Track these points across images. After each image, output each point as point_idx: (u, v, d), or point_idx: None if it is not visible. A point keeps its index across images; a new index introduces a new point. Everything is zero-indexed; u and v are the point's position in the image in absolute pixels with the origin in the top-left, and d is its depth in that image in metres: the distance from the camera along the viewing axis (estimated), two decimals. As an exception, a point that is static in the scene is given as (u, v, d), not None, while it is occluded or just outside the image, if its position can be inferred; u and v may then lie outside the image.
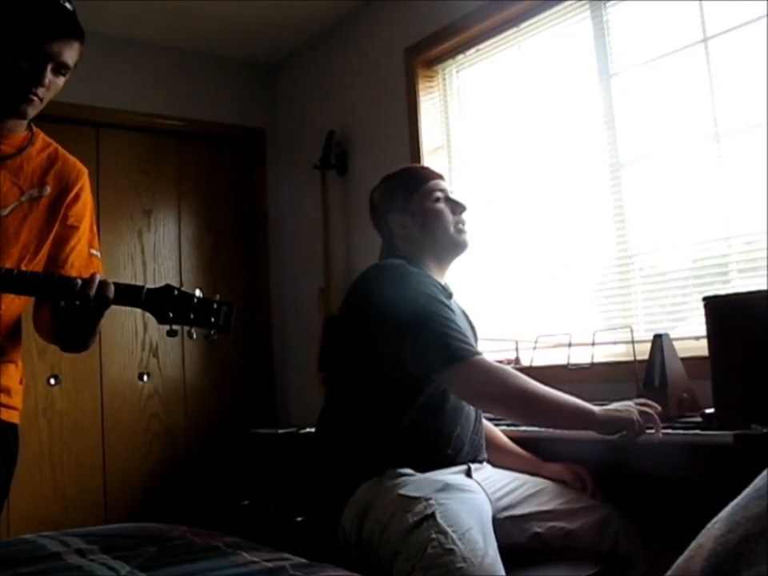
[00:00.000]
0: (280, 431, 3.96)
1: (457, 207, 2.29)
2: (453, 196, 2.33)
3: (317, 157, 4.16)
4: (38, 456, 3.83)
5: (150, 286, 1.76)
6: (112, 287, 1.71)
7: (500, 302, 3.49)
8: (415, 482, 1.94)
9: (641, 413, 1.95)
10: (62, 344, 1.96)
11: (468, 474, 2.07)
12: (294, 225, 4.61)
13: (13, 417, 1.97)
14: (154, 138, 4.45)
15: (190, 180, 4.55)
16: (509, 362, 3.12)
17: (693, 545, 0.83)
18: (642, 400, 2.04)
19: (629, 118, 3.01)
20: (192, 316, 1.75)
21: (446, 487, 1.93)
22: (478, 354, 1.98)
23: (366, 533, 1.93)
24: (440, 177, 2.35)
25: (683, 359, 2.35)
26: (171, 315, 1.74)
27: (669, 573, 0.85)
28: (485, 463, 2.21)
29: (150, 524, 2.00)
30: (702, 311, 2.14)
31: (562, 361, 2.82)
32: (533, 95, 3.38)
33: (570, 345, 2.81)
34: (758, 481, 0.85)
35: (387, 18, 3.98)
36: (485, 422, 2.33)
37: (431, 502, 1.85)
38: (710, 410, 2.06)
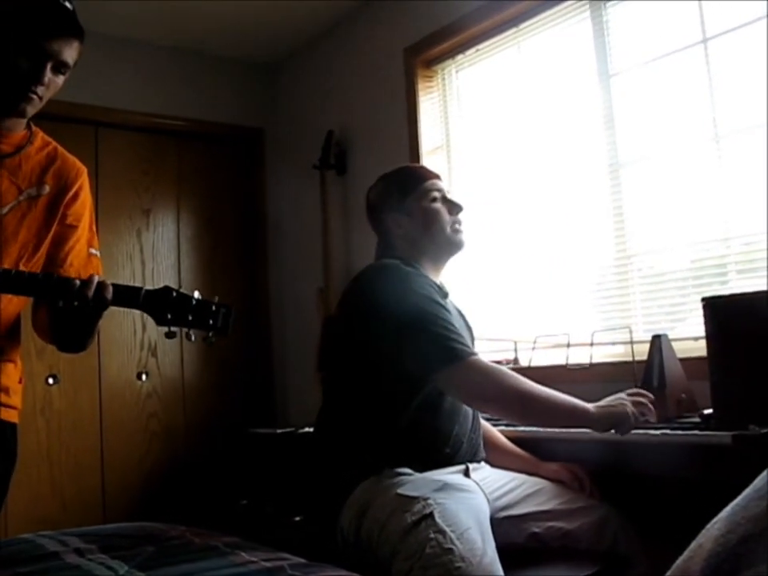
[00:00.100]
0: (279, 431, 3.96)
1: (454, 207, 2.30)
2: (450, 196, 2.33)
3: (316, 157, 4.16)
4: (36, 455, 3.82)
5: (148, 287, 1.77)
6: (110, 288, 1.71)
7: (499, 302, 3.49)
8: (413, 482, 1.95)
9: (634, 403, 1.97)
10: (59, 344, 1.96)
11: (466, 473, 2.07)
12: (293, 225, 4.61)
13: (12, 416, 1.96)
14: (153, 137, 4.44)
15: (189, 180, 4.55)
16: (507, 362, 3.13)
17: (692, 545, 0.83)
18: (633, 390, 2.05)
19: (628, 119, 3.01)
20: (190, 318, 1.75)
21: (444, 487, 1.93)
22: (474, 354, 1.99)
23: (364, 532, 1.93)
24: (437, 177, 2.35)
25: (682, 360, 2.36)
26: (169, 317, 1.74)
27: (668, 573, 0.85)
28: (483, 463, 2.21)
29: (148, 523, 2.00)
30: (700, 312, 2.14)
31: (561, 361, 2.82)
32: (532, 95, 3.38)
33: (568, 345, 2.81)
34: (758, 481, 0.85)
35: (387, 17, 3.98)
36: (483, 421, 2.34)
37: (429, 501, 1.85)
38: (709, 411, 2.06)
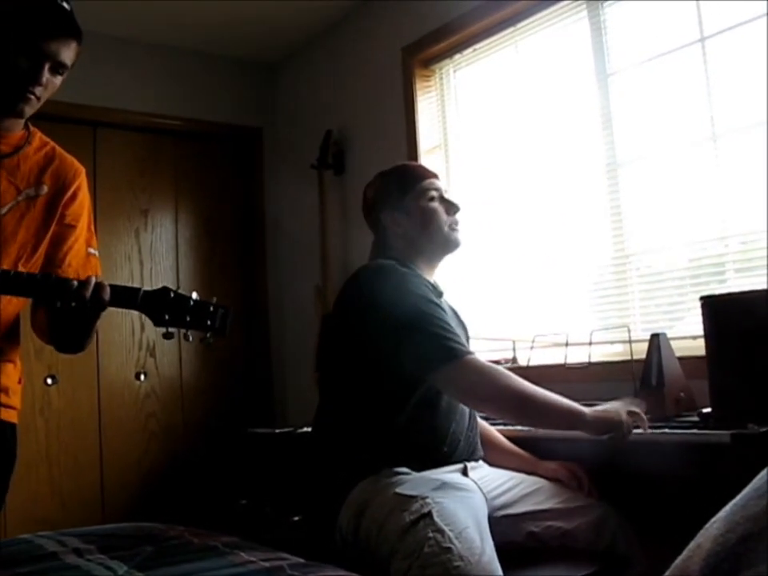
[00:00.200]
0: (277, 431, 3.96)
1: (451, 207, 2.30)
2: (447, 195, 2.34)
3: (314, 156, 4.16)
4: (35, 455, 3.82)
5: (146, 288, 1.77)
6: (108, 289, 1.71)
7: (497, 301, 3.49)
8: (411, 481, 1.95)
9: (629, 412, 1.99)
10: (57, 345, 1.96)
11: (464, 472, 2.08)
12: (291, 224, 4.61)
13: (11, 416, 1.96)
14: (151, 137, 4.44)
15: (187, 179, 4.55)
16: (506, 362, 3.13)
17: (691, 545, 0.83)
18: (628, 399, 2.08)
19: (626, 118, 3.01)
20: (188, 319, 1.75)
21: (442, 486, 1.93)
22: (470, 353, 2.00)
23: (362, 532, 1.93)
24: (435, 176, 2.35)
25: (680, 359, 2.36)
26: (167, 318, 1.74)
27: (667, 573, 0.85)
28: (481, 462, 2.21)
29: (147, 524, 2.00)
30: (698, 311, 2.14)
31: (559, 360, 2.82)
32: (530, 95, 3.38)
33: (567, 344, 2.81)
34: (757, 481, 0.85)
35: (384, 17, 3.98)
36: (481, 421, 2.34)
37: (427, 500, 1.85)
38: (707, 410, 2.07)
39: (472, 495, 1.97)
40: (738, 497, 0.83)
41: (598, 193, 3.10)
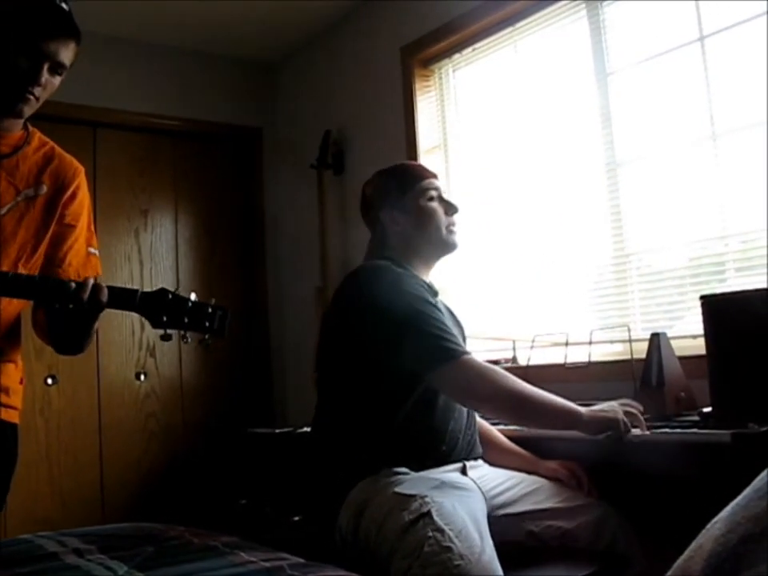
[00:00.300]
0: (277, 431, 3.96)
1: (450, 208, 2.31)
2: (446, 196, 2.34)
3: (313, 156, 4.16)
4: (35, 455, 3.82)
5: (144, 289, 1.77)
6: (105, 291, 1.72)
7: (497, 301, 3.49)
8: (410, 480, 1.95)
9: (626, 413, 2.00)
10: (56, 346, 1.96)
11: (463, 471, 2.08)
12: (291, 224, 4.61)
13: (12, 416, 1.96)
14: (151, 137, 4.44)
15: (186, 179, 4.55)
16: (506, 361, 3.13)
17: (693, 545, 0.83)
18: (625, 401, 2.08)
19: (625, 117, 3.01)
20: (186, 320, 1.75)
21: (441, 485, 1.94)
22: (467, 353, 2.00)
23: (362, 532, 1.93)
24: (434, 176, 2.36)
25: (680, 358, 2.35)
26: (165, 319, 1.74)
27: (668, 573, 0.85)
28: (480, 461, 2.21)
29: (147, 524, 2.00)
30: (698, 310, 2.14)
31: (559, 360, 2.81)
32: (529, 94, 3.38)
33: (567, 344, 2.81)
34: (758, 481, 0.85)
35: (383, 17, 3.98)
36: (481, 420, 2.35)
37: (427, 499, 1.85)
38: (708, 409, 2.06)
39: (471, 494, 1.98)
40: (740, 497, 0.83)
41: (597, 192, 3.10)
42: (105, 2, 3.73)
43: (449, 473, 2.04)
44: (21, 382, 2.01)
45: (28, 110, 1.87)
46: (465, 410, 2.17)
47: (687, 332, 2.62)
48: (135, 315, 1.79)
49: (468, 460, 2.13)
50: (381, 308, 2.03)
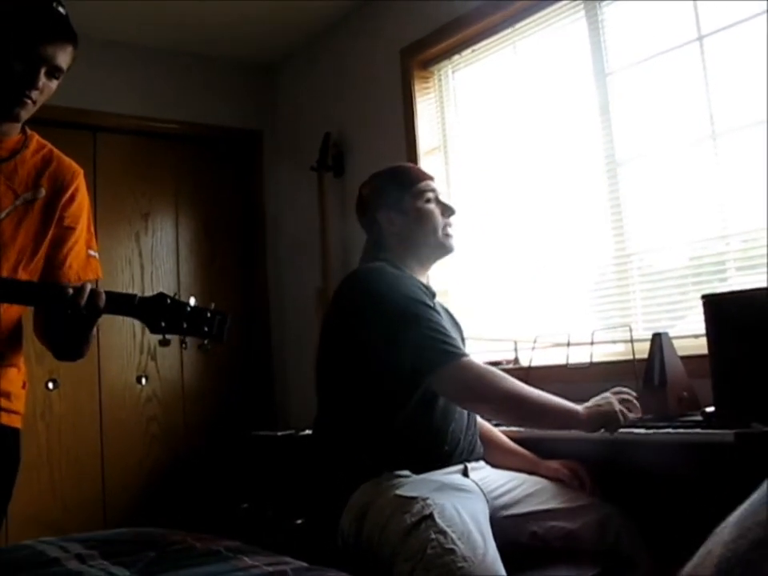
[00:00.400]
0: (279, 434, 3.95)
1: (447, 210, 2.32)
2: (443, 198, 2.34)
3: (314, 158, 4.16)
4: (36, 459, 3.82)
5: (144, 292, 1.76)
6: (103, 296, 1.71)
7: (498, 301, 3.48)
8: (412, 483, 1.95)
9: (621, 401, 2.01)
10: (55, 352, 1.95)
11: (465, 473, 2.08)
12: (291, 226, 4.61)
13: (14, 421, 1.95)
14: (151, 141, 4.44)
15: (187, 183, 4.55)
16: (508, 362, 3.13)
17: (701, 550, 0.82)
18: (617, 389, 2.08)
19: (625, 117, 3.01)
20: (185, 325, 1.74)
21: (442, 487, 1.94)
22: (466, 355, 2.01)
23: (364, 535, 1.93)
24: (431, 178, 2.37)
25: (682, 358, 2.35)
26: (163, 324, 1.73)
27: None
28: (482, 462, 2.21)
29: (149, 529, 1.99)
30: (700, 309, 2.14)
31: (561, 360, 2.81)
32: (529, 95, 3.38)
33: (568, 344, 2.81)
34: (766, 484, 0.84)
35: (383, 19, 3.98)
36: (482, 421, 2.34)
37: (428, 502, 1.85)
38: (711, 409, 2.06)
39: (473, 496, 1.98)
40: (748, 501, 0.82)
41: (597, 192, 3.10)
42: (103, 5, 3.73)
43: (450, 475, 2.04)
44: (23, 387, 2.00)
45: (25, 114, 1.87)
46: (465, 411, 2.17)
47: (689, 332, 2.62)
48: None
49: (470, 461, 2.13)
50: (379, 310, 2.04)
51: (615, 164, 3.03)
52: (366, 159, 3.99)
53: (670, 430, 2.08)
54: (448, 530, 1.78)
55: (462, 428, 2.15)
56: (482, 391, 1.99)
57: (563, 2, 3.19)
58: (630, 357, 2.54)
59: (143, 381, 4.25)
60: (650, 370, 2.32)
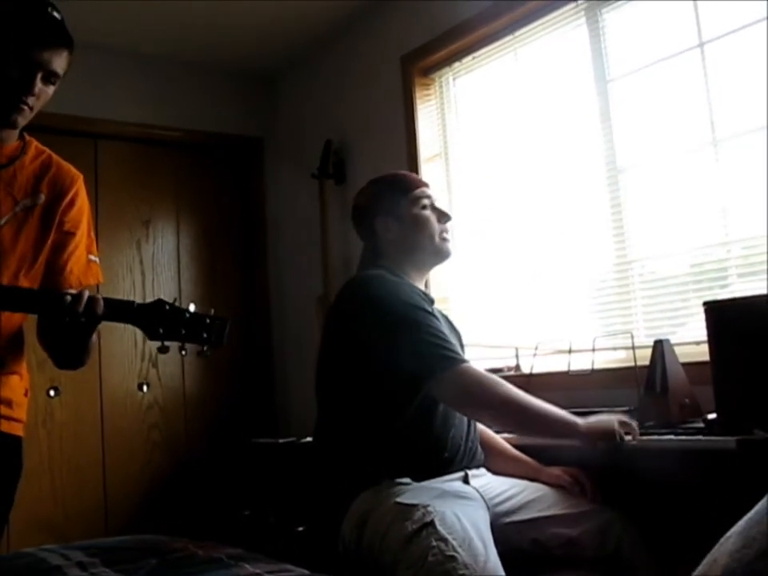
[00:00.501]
0: (280, 441, 3.95)
1: (442, 216, 2.33)
2: (438, 204, 2.35)
3: (315, 166, 4.16)
4: (38, 467, 3.81)
5: (141, 301, 1.76)
6: (101, 303, 1.71)
7: (500, 308, 3.48)
8: (412, 490, 1.95)
9: (620, 422, 2.02)
10: (56, 360, 1.95)
11: (465, 480, 2.08)
12: (292, 233, 4.61)
13: (15, 429, 1.95)
14: (152, 148, 4.44)
15: (188, 190, 4.55)
16: (509, 369, 3.13)
17: (707, 559, 0.82)
18: (619, 413, 2.11)
19: (626, 124, 3.01)
20: (183, 332, 1.74)
21: (443, 494, 1.94)
22: (465, 361, 2.01)
23: (365, 542, 1.93)
24: (426, 185, 2.39)
25: (684, 364, 2.35)
26: (161, 331, 1.73)
27: None
28: (483, 469, 2.21)
29: (151, 536, 1.99)
30: (701, 316, 2.14)
31: (563, 367, 2.81)
32: (530, 102, 3.38)
33: (570, 351, 2.80)
34: None
35: (384, 26, 3.99)
36: (483, 427, 2.34)
37: (429, 509, 1.85)
38: (712, 416, 2.06)
39: (473, 503, 1.98)
40: (753, 511, 0.82)
41: (598, 199, 3.10)
42: (105, 13, 3.74)
43: (451, 482, 2.04)
44: (26, 394, 2.00)
45: (22, 120, 1.87)
46: (465, 417, 2.17)
47: (690, 338, 2.62)
48: (136, 326, 1.78)
49: (470, 468, 2.13)
50: (379, 316, 2.04)
51: (616, 170, 3.03)
52: (367, 166, 3.99)
53: (671, 437, 2.08)
54: (449, 537, 1.77)
55: (463, 434, 2.15)
56: (482, 397, 2.00)
57: (564, 9, 3.19)
58: (632, 363, 2.54)
59: (144, 388, 4.25)
60: (652, 377, 2.32)
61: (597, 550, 2.06)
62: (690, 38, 2.78)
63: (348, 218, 4.06)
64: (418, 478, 1.99)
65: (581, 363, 2.78)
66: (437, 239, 2.29)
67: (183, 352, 1.76)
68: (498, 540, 1.87)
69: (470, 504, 1.96)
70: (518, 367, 3.15)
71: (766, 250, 2.46)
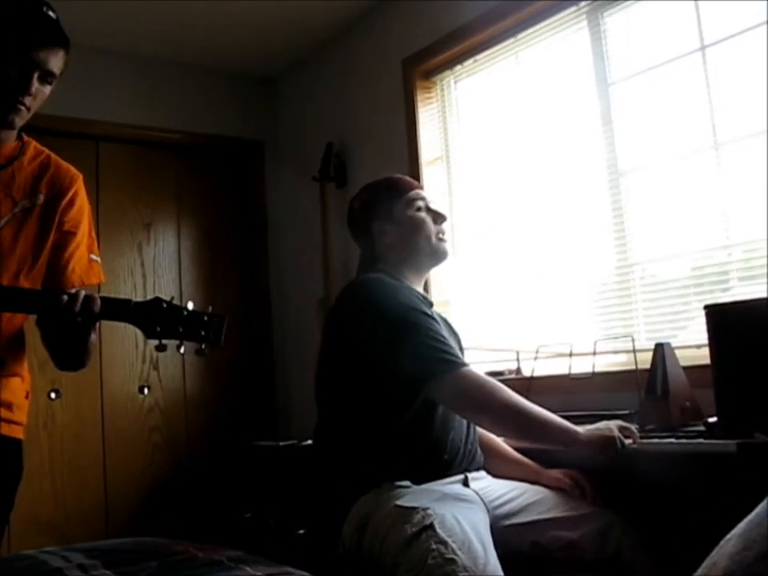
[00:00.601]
0: (281, 443, 3.95)
1: (438, 217, 2.35)
2: (433, 206, 2.36)
3: (316, 169, 4.16)
4: (39, 469, 3.81)
5: (138, 299, 1.75)
6: (98, 301, 1.71)
7: (501, 312, 3.48)
8: (412, 493, 1.95)
9: (620, 428, 2.03)
10: (56, 361, 1.95)
11: (465, 483, 2.08)
12: (293, 236, 4.61)
13: (15, 432, 1.95)
14: (153, 151, 4.45)
15: (189, 193, 4.55)
16: (510, 372, 3.12)
17: (706, 562, 0.82)
18: (618, 421, 2.10)
19: (627, 127, 3.01)
20: (181, 329, 1.73)
21: (443, 497, 1.94)
22: (465, 364, 2.02)
23: (365, 545, 1.93)
24: (420, 187, 2.42)
25: (685, 368, 2.35)
26: (159, 329, 1.72)
27: None
28: (483, 472, 2.21)
29: (151, 538, 1.99)
30: (702, 319, 2.14)
31: (564, 371, 2.81)
32: (531, 105, 3.38)
33: (571, 354, 2.80)
34: None
35: (385, 29, 3.99)
36: (483, 431, 2.34)
37: (429, 512, 1.85)
38: (713, 419, 2.06)
39: (473, 506, 1.98)
40: (753, 513, 0.82)
41: (600, 202, 3.10)
42: (106, 15, 3.75)
43: (451, 485, 2.05)
44: (26, 397, 1.99)
45: (19, 121, 1.87)
46: (464, 420, 2.17)
47: (691, 342, 2.61)
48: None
49: (470, 471, 2.13)
50: (378, 318, 2.05)
51: (617, 174, 3.03)
52: (368, 169, 3.99)
53: (672, 440, 2.08)
54: (448, 540, 1.77)
55: (462, 437, 2.15)
56: (481, 401, 2.00)
57: (566, 12, 3.19)
58: (633, 367, 2.53)
59: (145, 390, 4.25)
60: (653, 380, 2.32)
61: (597, 553, 2.06)
62: (691, 42, 2.78)
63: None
64: (418, 480, 2.00)
65: (582, 366, 2.78)
66: (433, 240, 2.30)
67: (181, 350, 1.76)
68: (497, 543, 1.87)
69: (470, 507, 1.96)
70: (518, 370, 3.15)
71: (766, 254, 2.46)
